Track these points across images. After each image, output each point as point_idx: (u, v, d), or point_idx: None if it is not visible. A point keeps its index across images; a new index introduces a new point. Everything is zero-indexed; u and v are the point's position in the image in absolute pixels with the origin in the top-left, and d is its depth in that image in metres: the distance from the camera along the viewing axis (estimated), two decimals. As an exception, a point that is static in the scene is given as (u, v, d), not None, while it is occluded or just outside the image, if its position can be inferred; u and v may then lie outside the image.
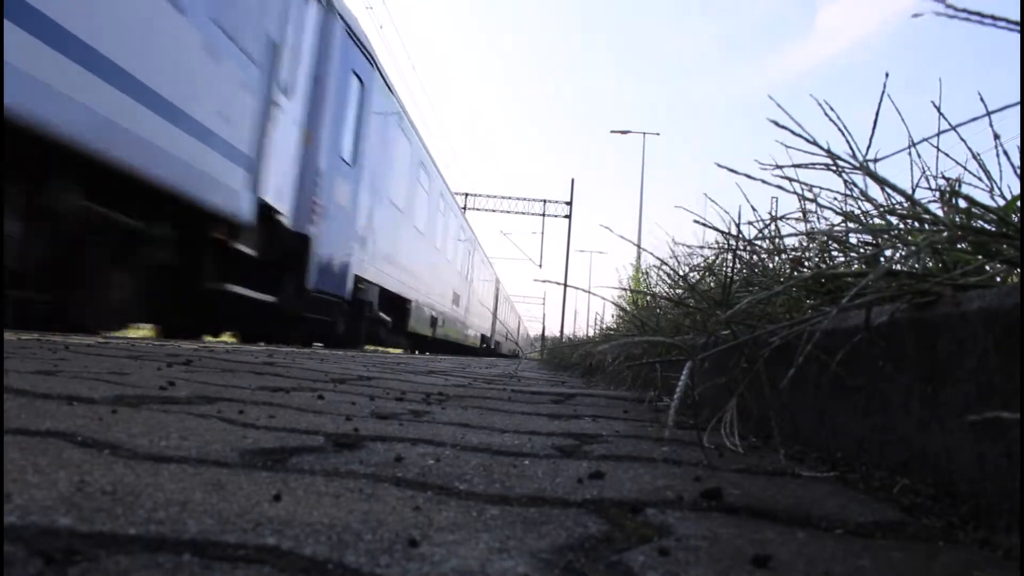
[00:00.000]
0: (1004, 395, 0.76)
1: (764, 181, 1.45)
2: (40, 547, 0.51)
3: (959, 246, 1.04)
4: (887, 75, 1.35)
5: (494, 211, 27.62)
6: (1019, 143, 1.06)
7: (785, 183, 1.49)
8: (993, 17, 0.86)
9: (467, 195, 26.78)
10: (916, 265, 1.05)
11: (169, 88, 4.39)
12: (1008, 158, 1.14)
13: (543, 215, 27.30)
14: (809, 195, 1.55)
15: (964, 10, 0.87)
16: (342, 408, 1.64)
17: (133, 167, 4.09)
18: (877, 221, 1.33)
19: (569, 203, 26.52)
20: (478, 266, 22.83)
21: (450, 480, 0.91)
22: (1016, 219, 0.96)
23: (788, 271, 1.62)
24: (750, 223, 1.95)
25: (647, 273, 3.57)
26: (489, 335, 27.67)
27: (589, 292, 1.99)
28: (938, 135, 1.23)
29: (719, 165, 1.44)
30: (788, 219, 1.76)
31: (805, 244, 1.66)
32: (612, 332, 4.76)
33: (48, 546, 0.52)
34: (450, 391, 2.53)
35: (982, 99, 1.10)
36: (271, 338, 7.96)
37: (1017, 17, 0.86)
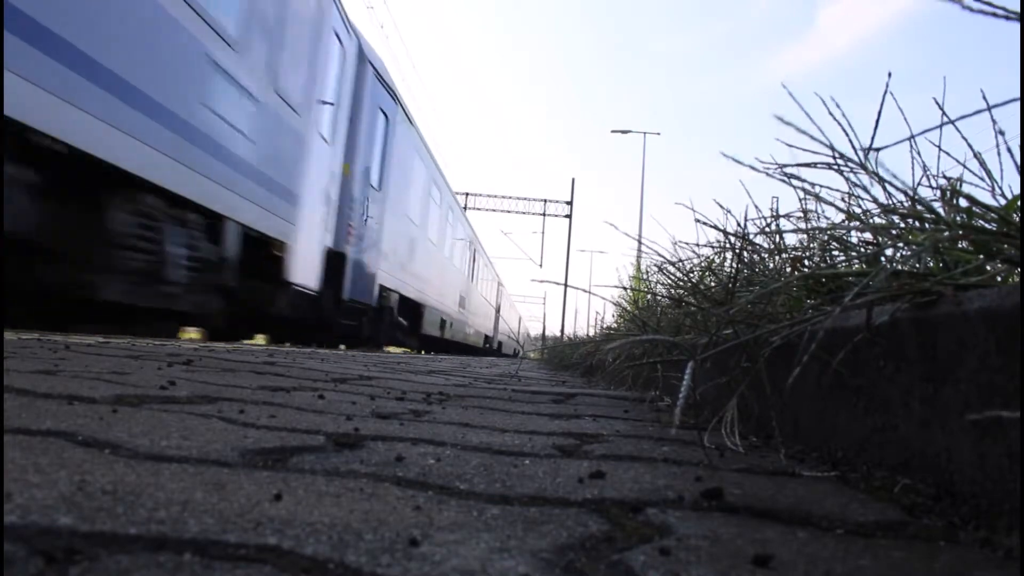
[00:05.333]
0: (1005, 395, 0.76)
1: (768, 174, 1.44)
2: (41, 546, 0.51)
3: (960, 245, 1.04)
4: (890, 74, 1.35)
5: (495, 211, 27.63)
6: (1020, 141, 1.06)
7: (786, 180, 1.49)
8: (992, 6, 0.86)
9: (468, 195, 26.78)
10: (917, 264, 1.05)
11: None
12: (1012, 155, 1.13)
13: (544, 215, 27.31)
14: (811, 192, 1.55)
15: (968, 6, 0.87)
16: (343, 408, 1.64)
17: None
18: (878, 220, 1.33)
19: (570, 203, 26.53)
20: (481, 269, 23.49)
21: (451, 480, 0.91)
22: (1017, 218, 0.96)
23: (789, 270, 1.62)
24: (751, 221, 1.95)
25: (647, 272, 3.57)
26: (492, 335, 28.25)
27: (589, 292, 1.99)
28: (941, 127, 1.22)
29: (724, 155, 1.44)
30: (789, 218, 1.76)
31: (806, 243, 1.66)
32: (613, 332, 4.76)
33: (49, 545, 0.52)
34: (451, 391, 2.53)
35: (984, 97, 1.09)
36: (308, 341, 8.91)
37: (1017, 8, 0.86)
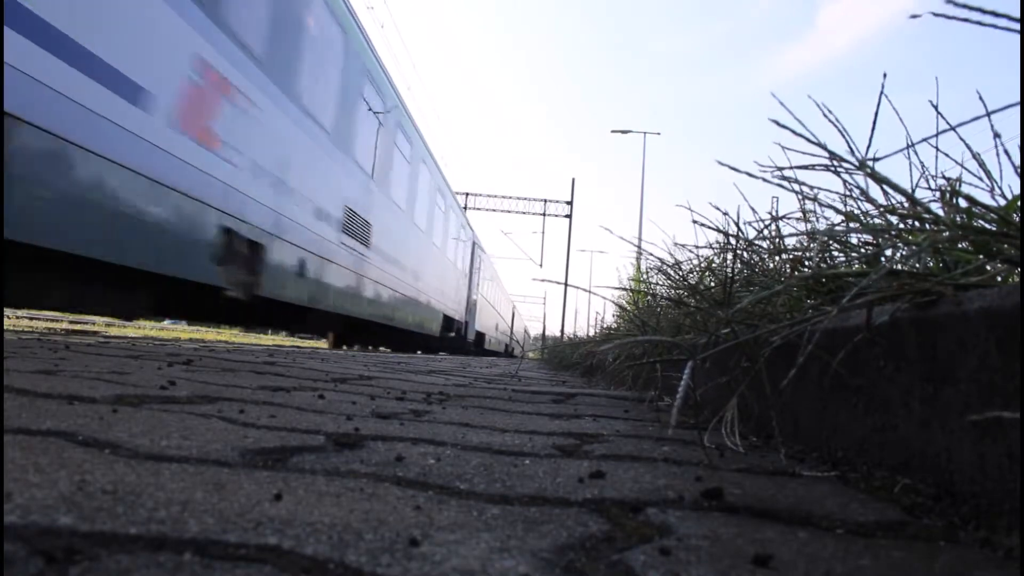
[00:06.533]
0: (1005, 395, 0.76)
1: (765, 180, 1.45)
2: (41, 546, 0.51)
3: (960, 246, 1.04)
4: (885, 75, 1.35)
5: (495, 211, 27.59)
6: (1019, 142, 1.06)
7: (785, 183, 1.49)
8: (994, 13, 0.86)
9: (468, 195, 26.78)
10: (917, 265, 1.05)
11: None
12: (1009, 157, 1.13)
13: (544, 215, 27.28)
14: (809, 195, 1.55)
15: (964, 6, 0.87)
16: (343, 408, 1.64)
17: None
18: (877, 221, 1.33)
19: (570, 203, 26.52)
20: (436, 198, 12.90)
21: (451, 479, 0.91)
22: (1017, 218, 0.96)
23: (789, 271, 1.62)
24: (750, 223, 1.96)
25: (647, 273, 3.57)
26: (462, 319, 16.08)
27: (590, 291, 1.99)
28: (937, 135, 1.23)
29: (720, 163, 1.44)
30: (788, 219, 1.76)
31: (805, 244, 1.66)
32: (613, 332, 4.76)
33: (49, 545, 0.52)
34: (451, 391, 2.53)
35: (981, 99, 1.10)
36: None
37: (1017, 15, 0.86)
